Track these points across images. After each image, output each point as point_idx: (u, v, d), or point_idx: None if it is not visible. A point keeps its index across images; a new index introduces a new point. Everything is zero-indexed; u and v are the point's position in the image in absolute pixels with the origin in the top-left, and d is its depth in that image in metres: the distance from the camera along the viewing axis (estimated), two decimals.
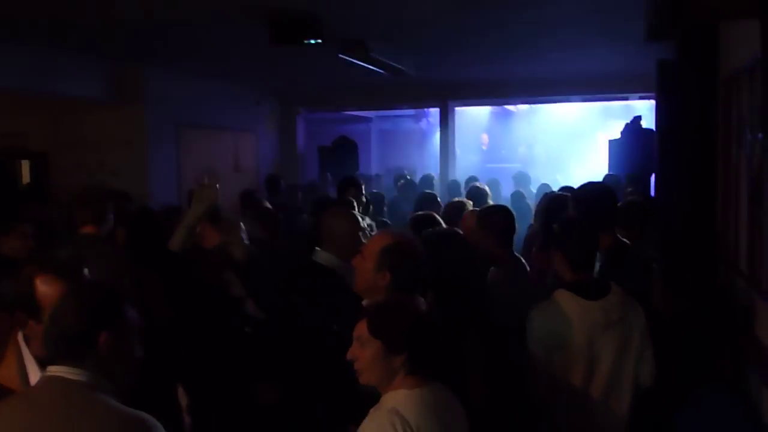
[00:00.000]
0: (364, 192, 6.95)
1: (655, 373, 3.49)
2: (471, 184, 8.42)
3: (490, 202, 6.92)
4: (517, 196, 8.92)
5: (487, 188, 7.76)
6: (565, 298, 3.38)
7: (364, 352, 2.42)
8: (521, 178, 10.74)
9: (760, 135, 3.82)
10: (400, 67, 9.06)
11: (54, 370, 2.17)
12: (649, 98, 11.18)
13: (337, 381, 2.84)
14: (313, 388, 3.07)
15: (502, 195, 9.67)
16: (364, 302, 2.90)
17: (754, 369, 3.66)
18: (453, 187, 9.56)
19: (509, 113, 16.64)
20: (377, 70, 8.75)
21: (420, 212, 5.35)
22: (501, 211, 4.45)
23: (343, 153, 11.33)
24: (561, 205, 4.98)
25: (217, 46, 7.84)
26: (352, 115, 15.74)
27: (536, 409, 3.45)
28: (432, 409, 2.38)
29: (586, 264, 3.45)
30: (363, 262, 3.00)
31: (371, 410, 2.39)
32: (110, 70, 8.90)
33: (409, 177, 11.00)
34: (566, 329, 3.33)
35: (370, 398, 2.44)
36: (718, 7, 2.99)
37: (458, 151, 13.09)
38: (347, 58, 7.71)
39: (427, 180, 9.87)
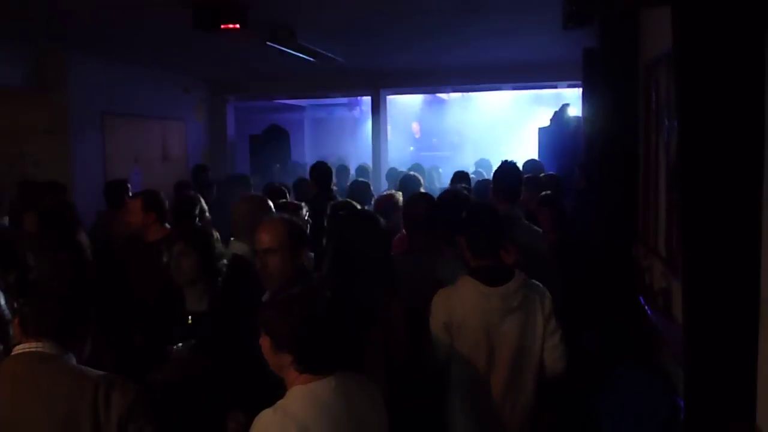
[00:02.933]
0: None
1: (566, 359, 3.50)
2: (402, 173, 8.47)
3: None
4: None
5: (420, 177, 7.77)
6: (466, 284, 3.45)
7: (263, 342, 2.48)
8: (485, 164, 10.60)
9: (676, 122, 3.94)
10: (329, 54, 9.03)
11: (34, 346, 2.53)
12: (577, 86, 11.43)
13: (242, 365, 2.90)
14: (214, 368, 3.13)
15: (441, 182, 9.65)
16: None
17: (670, 349, 3.78)
18: (392, 175, 9.62)
19: (442, 101, 16.73)
20: (306, 57, 8.70)
21: (340, 201, 5.39)
22: (422, 198, 4.47)
23: (274, 142, 11.28)
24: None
25: (142, 31, 7.68)
26: (285, 103, 15.59)
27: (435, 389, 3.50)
28: (322, 403, 2.38)
29: (487, 250, 3.50)
30: (276, 256, 3.12)
31: (272, 408, 2.40)
32: (30, 55, 8.62)
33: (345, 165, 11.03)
34: (463, 314, 3.41)
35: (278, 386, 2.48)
36: None
37: (390, 139, 13.12)
38: (275, 45, 7.65)
39: (361, 169, 9.87)
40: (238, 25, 6.10)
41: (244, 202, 4.33)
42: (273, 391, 2.44)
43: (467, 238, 3.54)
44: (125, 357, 3.46)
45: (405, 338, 3.36)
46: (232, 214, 4.21)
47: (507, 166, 5.07)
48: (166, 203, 5.28)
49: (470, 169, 10.00)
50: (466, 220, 3.58)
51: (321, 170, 6.85)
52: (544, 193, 5.53)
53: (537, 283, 3.52)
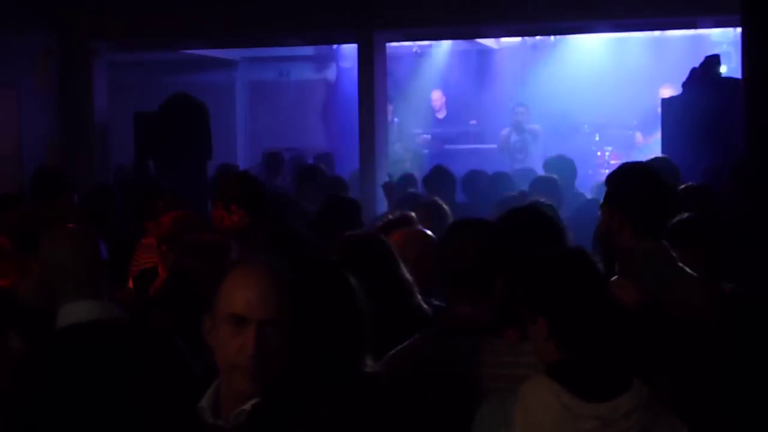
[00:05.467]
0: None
1: None
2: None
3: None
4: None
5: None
6: (540, 390, 3.37)
7: None
8: (561, 166, 10.39)
9: None
10: None
11: None
12: (730, 25, 11.41)
13: None
14: None
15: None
16: None
17: None
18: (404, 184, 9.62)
19: (486, 53, 16.75)
20: None
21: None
22: (471, 232, 4.41)
23: (181, 124, 11.23)
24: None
25: None
26: (201, 55, 15.62)
27: None
28: None
29: (585, 337, 3.46)
30: (279, 332, 3.07)
31: None
32: None
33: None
34: None
35: None
36: None
37: (395, 118, 13.15)
38: None
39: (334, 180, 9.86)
40: None
41: (75, 239, 4.46)
42: None
43: (549, 316, 3.47)
44: None
45: None
46: (51, 258, 4.33)
47: (651, 173, 5.01)
48: None
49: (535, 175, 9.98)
50: (544, 282, 3.51)
51: (247, 182, 6.78)
52: (683, 217, 5.49)
53: (667, 407, 3.47)
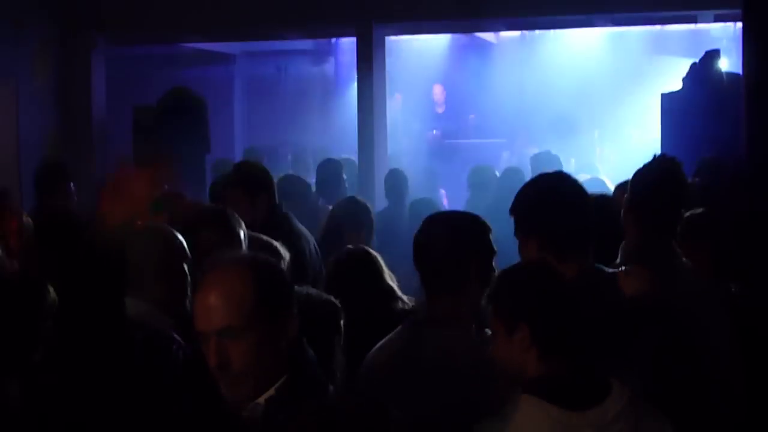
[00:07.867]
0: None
1: None
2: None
3: None
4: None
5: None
6: (527, 409, 3.37)
7: None
8: (548, 162, 10.46)
9: None
10: None
11: None
12: (731, 19, 11.40)
13: None
14: None
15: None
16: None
17: None
18: (396, 181, 9.56)
19: (485, 47, 16.72)
20: None
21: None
22: (442, 224, 4.41)
23: (179, 119, 11.21)
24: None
25: None
26: (199, 49, 15.59)
27: None
28: None
29: (567, 341, 3.46)
30: (242, 342, 3.01)
31: None
32: None
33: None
34: None
35: None
36: None
37: (394, 117, 13.08)
38: None
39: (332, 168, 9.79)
40: None
41: (143, 236, 4.51)
42: None
43: (531, 321, 3.44)
44: None
45: None
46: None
47: (662, 166, 4.98)
48: None
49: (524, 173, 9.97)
50: (523, 288, 3.52)
51: (252, 174, 6.76)
52: (692, 213, 5.46)
53: (649, 406, 3.48)
